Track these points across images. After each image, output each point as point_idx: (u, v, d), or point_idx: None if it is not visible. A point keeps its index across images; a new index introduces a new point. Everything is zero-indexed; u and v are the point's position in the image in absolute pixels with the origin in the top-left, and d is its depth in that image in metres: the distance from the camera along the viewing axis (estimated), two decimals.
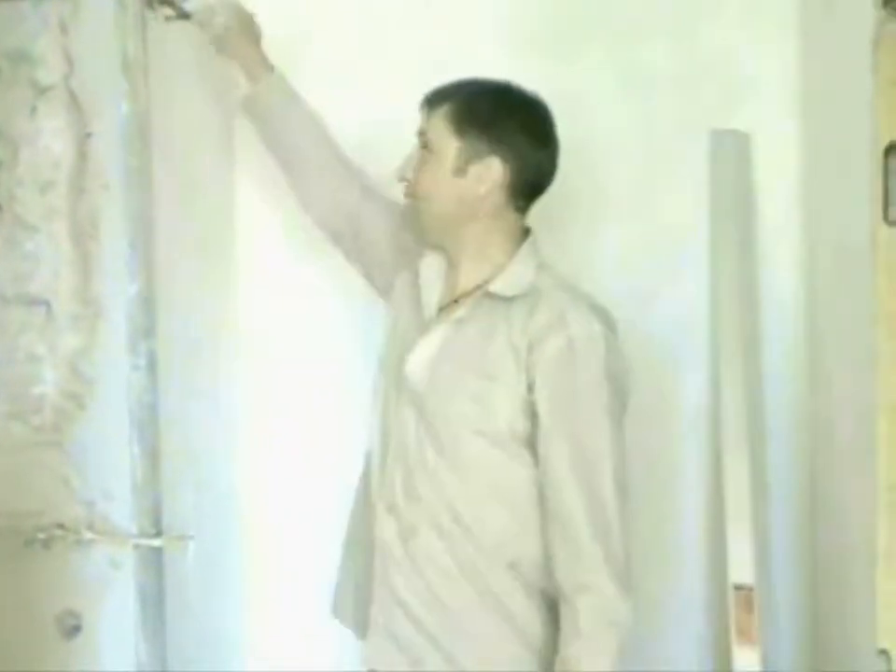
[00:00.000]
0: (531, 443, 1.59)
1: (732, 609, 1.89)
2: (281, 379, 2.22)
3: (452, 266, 1.71)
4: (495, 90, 1.68)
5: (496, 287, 1.63)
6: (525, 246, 1.68)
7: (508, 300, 1.62)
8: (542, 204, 2.15)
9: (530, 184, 1.68)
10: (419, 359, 1.66)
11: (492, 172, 1.63)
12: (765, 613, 1.94)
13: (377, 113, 2.08)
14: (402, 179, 1.69)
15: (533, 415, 1.58)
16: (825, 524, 2.05)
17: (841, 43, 1.90)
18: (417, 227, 1.72)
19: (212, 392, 2.12)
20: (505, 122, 1.65)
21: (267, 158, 2.15)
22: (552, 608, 1.63)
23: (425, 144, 1.66)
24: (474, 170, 1.63)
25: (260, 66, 1.91)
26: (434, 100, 1.66)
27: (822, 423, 2.05)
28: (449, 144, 1.63)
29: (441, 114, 1.64)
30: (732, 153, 2.11)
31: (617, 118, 2.14)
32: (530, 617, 1.64)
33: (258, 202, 2.20)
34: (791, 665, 2.09)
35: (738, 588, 1.89)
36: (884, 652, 1.43)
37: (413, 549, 1.65)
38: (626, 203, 2.16)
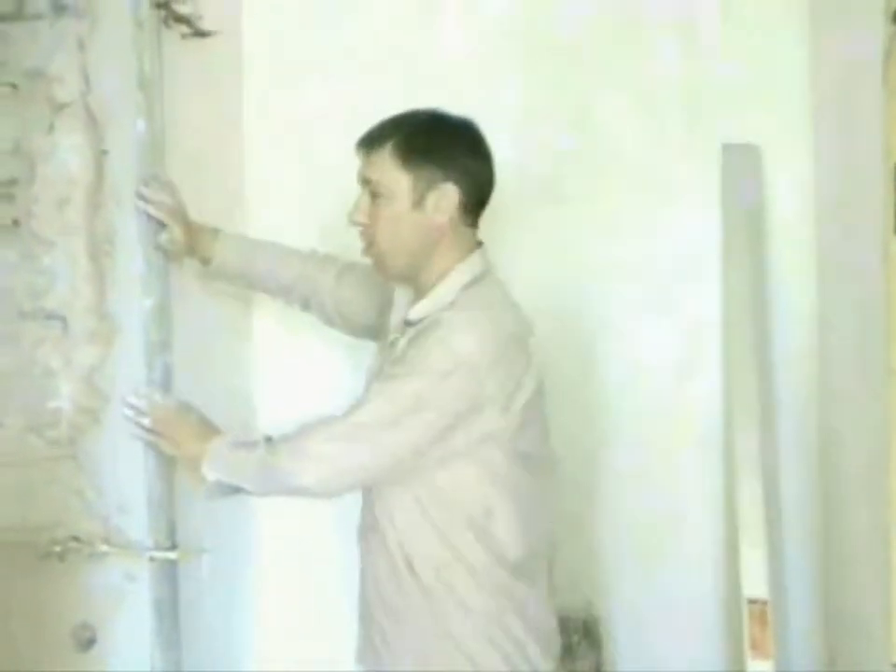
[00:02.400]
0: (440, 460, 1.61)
1: (746, 623, 1.88)
2: (296, 391, 2.23)
3: (419, 291, 1.70)
4: (430, 118, 1.68)
5: (411, 314, 1.66)
6: (467, 261, 1.67)
7: (419, 322, 1.64)
8: (554, 217, 2.18)
9: (480, 200, 1.70)
10: (368, 374, 1.74)
11: (449, 197, 1.64)
12: (779, 627, 1.93)
13: None
14: (355, 224, 1.68)
15: None
16: (838, 537, 2.04)
17: (852, 57, 1.90)
18: (384, 270, 1.71)
19: (227, 405, 2.13)
20: (450, 146, 1.66)
21: (277, 173, 2.18)
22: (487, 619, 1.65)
23: (373, 189, 1.64)
24: (431, 199, 1.63)
25: (207, 245, 1.88)
26: (372, 142, 1.65)
27: (834, 436, 2.05)
28: (400, 180, 1.63)
29: (386, 153, 1.63)
30: (743, 167, 2.11)
31: (628, 131, 2.15)
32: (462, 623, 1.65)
33: (269, 215, 2.21)
34: None
35: (752, 602, 1.88)
36: None
37: (369, 543, 1.70)
38: (638, 216, 2.17)
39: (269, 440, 1.66)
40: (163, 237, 1.77)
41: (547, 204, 2.17)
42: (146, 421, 1.72)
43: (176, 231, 1.79)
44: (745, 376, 2.03)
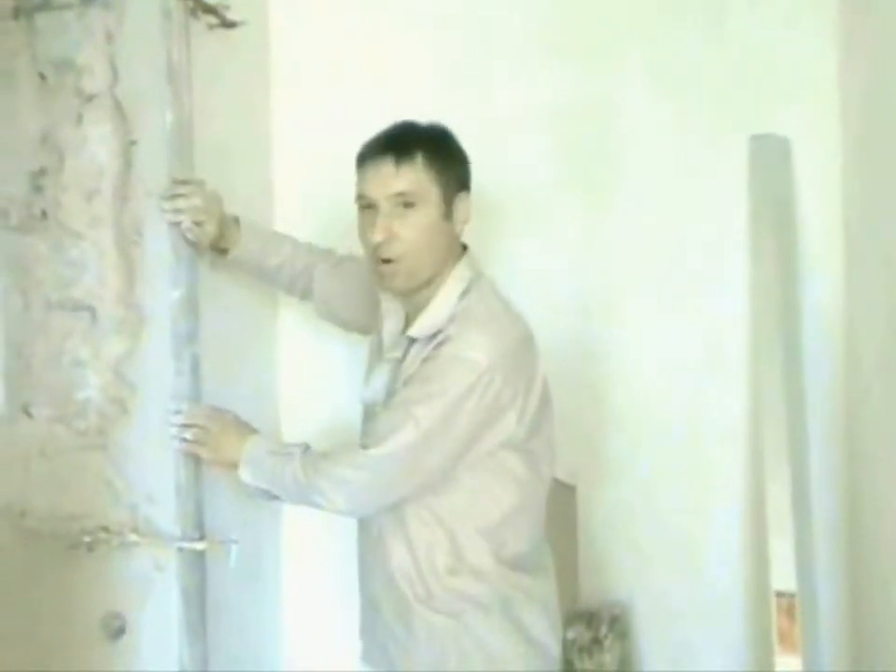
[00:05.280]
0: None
1: (774, 616, 1.88)
2: (320, 383, 2.24)
3: (415, 303, 1.69)
4: (435, 128, 1.67)
5: (412, 331, 1.66)
6: (456, 270, 1.66)
7: (424, 339, 1.64)
8: (580, 210, 2.17)
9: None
10: (370, 389, 1.75)
11: (468, 205, 1.65)
12: (807, 620, 1.92)
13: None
14: (378, 242, 1.62)
15: None
16: (866, 530, 2.03)
17: (881, 47, 1.89)
18: (398, 284, 1.67)
19: (253, 396, 2.14)
20: (461, 154, 1.68)
21: (304, 163, 2.18)
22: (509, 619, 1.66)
23: (406, 200, 1.61)
24: (456, 208, 1.64)
25: (231, 238, 1.87)
26: (398, 151, 1.61)
27: (863, 430, 2.03)
28: (431, 191, 1.62)
29: (418, 164, 1.61)
30: (772, 158, 2.10)
31: (655, 123, 2.14)
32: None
33: (295, 205, 2.21)
34: None
35: (780, 595, 1.88)
36: None
37: (379, 554, 1.70)
38: (664, 209, 2.16)
39: (306, 451, 1.67)
40: (190, 229, 1.77)
41: (573, 199, 2.17)
42: (188, 435, 1.75)
43: (209, 227, 1.79)
44: (773, 368, 2.02)
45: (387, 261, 1.64)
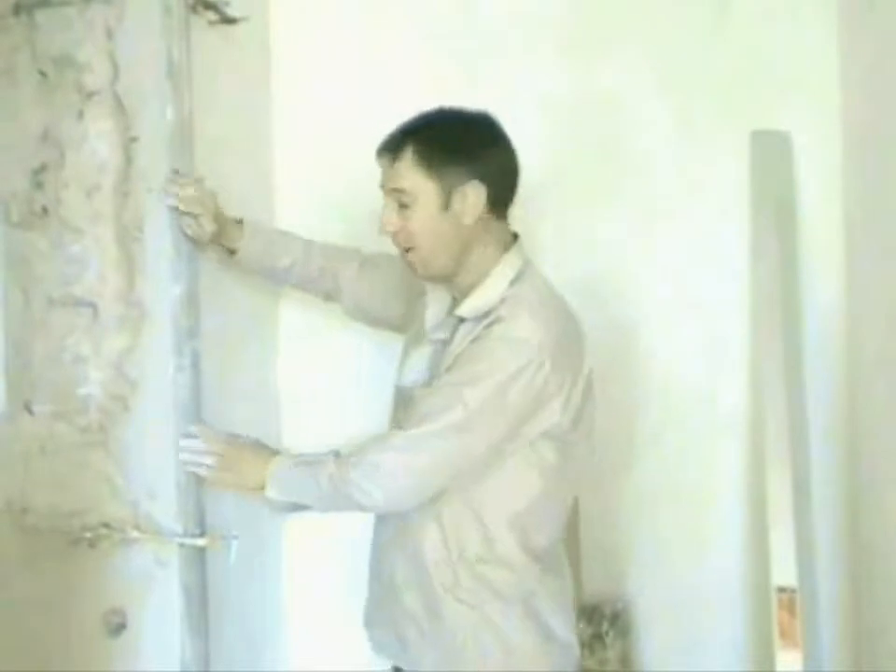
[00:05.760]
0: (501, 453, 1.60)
1: (775, 612, 1.88)
2: (322, 378, 2.24)
3: (461, 289, 1.70)
4: (445, 118, 1.66)
5: (462, 310, 1.65)
6: (506, 258, 1.67)
7: (473, 319, 1.63)
8: (581, 206, 2.17)
9: (507, 191, 1.69)
10: (410, 371, 1.72)
11: (476, 195, 1.63)
12: (808, 616, 1.92)
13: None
14: (387, 233, 1.67)
15: None
16: (867, 526, 2.03)
17: (882, 42, 1.89)
18: (424, 272, 1.69)
19: (254, 392, 2.14)
20: (469, 143, 1.64)
21: (304, 159, 2.18)
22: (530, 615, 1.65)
23: (400, 198, 1.63)
24: (458, 199, 1.62)
25: (234, 235, 1.88)
26: (392, 151, 1.63)
27: (864, 425, 2.04)
28: (425, 185, 1.62)
29: (408, 161, 1.61)
30: (773, 153, 2.10)
31: (656, 118, 2.14)
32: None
33: (295, 200, 2.21)
34: (833, 667, 2.08)
35: (781, 590, 1.88)
36: None
37: (405, 541, 1.68)
38: (666, 204, 2.16)
39: (337, 455, 1.65)
40: (189, 225, 1.77)
41: (575, 194, 2.17)
42: (208, 461, 1.73)
43: (205, 221, 1.79)
44: (774, 364, 2.02)
45: (406, 250, 1.67)
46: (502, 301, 1.61)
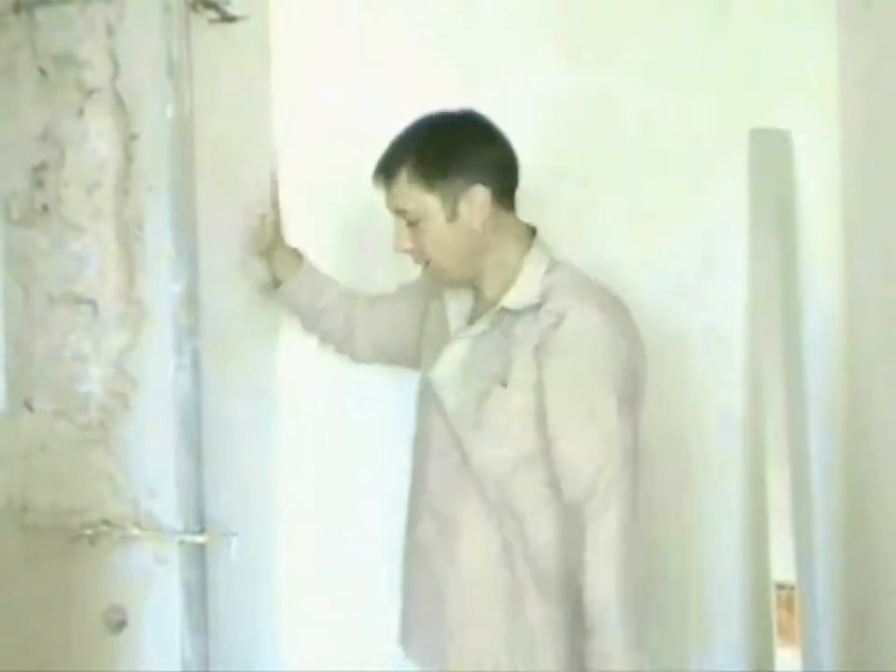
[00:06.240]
0: (544, 448, 1.61)
1: (773, 608, 1.88)
2: (321, 377, 2.24)
3: (477, 285, 1.72)
4: (433, 127, 1.65)
5: (508, 301, 1.65)
6: (534, 252, 1.68)
7: (520, 311, 1.64)
8: (580, 203, 2.17)
9: (510, 182, 1.69)
10: (442, 369, 1.70)
11: (480, 198, 1.62)
12: (807, 612, 1.93)
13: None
14: (403, 251, 1.68)
15: (543, 413, 1.60)
16: (866, 522, 2.03)
17: (881, 40, 1.89)
18: (446, 281, 1.73)
19: (254, 390, 2.14)
20: (461, 148, 1.64)
21: (305, 158, 2.18)
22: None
23: (406, 218, 1.64)
24: (464, 207, 1.62)
25: (293, 265, 1.97)
26: (387, 175, 1.64)
27: (864, 423, 2.04)
28: (427, 201, 1.62)
29: (403, 183, 1.62)
30: (772, 152, 2.10)
31: (654, 117, 2.14)
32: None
33: (296, 199, 2.21)
34: (832, 665, 2.08)
35: (780, 587, 1.88)
36: None
37: (452, 545, 1.67)
38: (664, 203, 2.15)
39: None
40: (260, 216, 1.80)
41: (574, 190, 2.17)
42: None
43: (269, 221, 1.84)
44: (773, 362, 2.02)
45: (423, 266, 1.70)
46: (549, 288, 1.62)
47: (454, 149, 1.63)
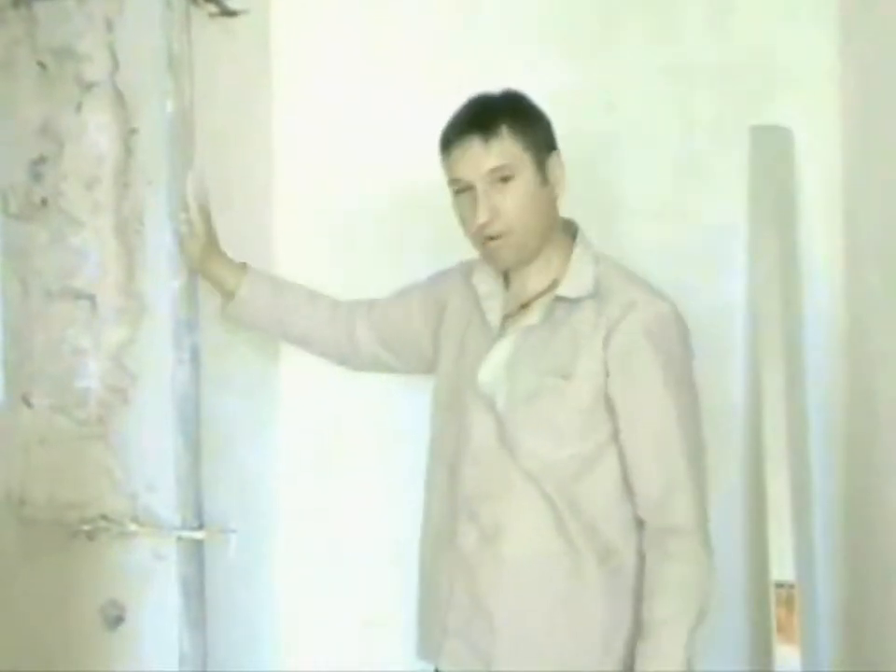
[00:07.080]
0: (611, 436, 1.60)
1: (773, 607, 1.87)
2: (321, 371, 2.23)
3: (511, 276, 1.70)
4: (505, 93, 1.65)
5: (565, 290, 1.63)
6: (579, 243, 1.69)
7: (577, 300, 1.63)
8: (580, 200, 2.16)
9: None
10: (492, 367, 1.65)
11: (560, 164, 1.64)
12: (807, 611, 1.92)
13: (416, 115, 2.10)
14: (485, 224, 1.59)
15: (610, 406, 1.60)
16: (866, 521, 2.03)
17: (881, 37, 1.89)
18: (508, 260, 1.65)
19: (254, 386, 2.14)
20: (542, 117, 1.66)
21: (305, 152, 2.18)
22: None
23: (502, 175, 1.59)
24: (551, 170, 1.63)
25: (234, 277, 1.85)
26: (484, 129, 1.59)
27: (864, 424, 2.03)
28: (524, 160, 1.59)
29: (504, 136, 1.58)
30: (773, 148, 2.09)
31: (655, 113, 2.14)
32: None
33: (296, 193, 2.21)
34: (831, 664, 2.08)
35: (780, 585, 1.87)
36: None
37: (496, 549, 1.63)
38: (665, 199, 2.15)
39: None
40: (183, 221, 1.77)
41: (574, 193, 2.16)
42: None
43: (198, 225, 1.78)
44: (773, 360, 2.01)
45: (494, 238, 1.62)
46: (601, 278, 1.64)
47: (537, 113, 1.66)
